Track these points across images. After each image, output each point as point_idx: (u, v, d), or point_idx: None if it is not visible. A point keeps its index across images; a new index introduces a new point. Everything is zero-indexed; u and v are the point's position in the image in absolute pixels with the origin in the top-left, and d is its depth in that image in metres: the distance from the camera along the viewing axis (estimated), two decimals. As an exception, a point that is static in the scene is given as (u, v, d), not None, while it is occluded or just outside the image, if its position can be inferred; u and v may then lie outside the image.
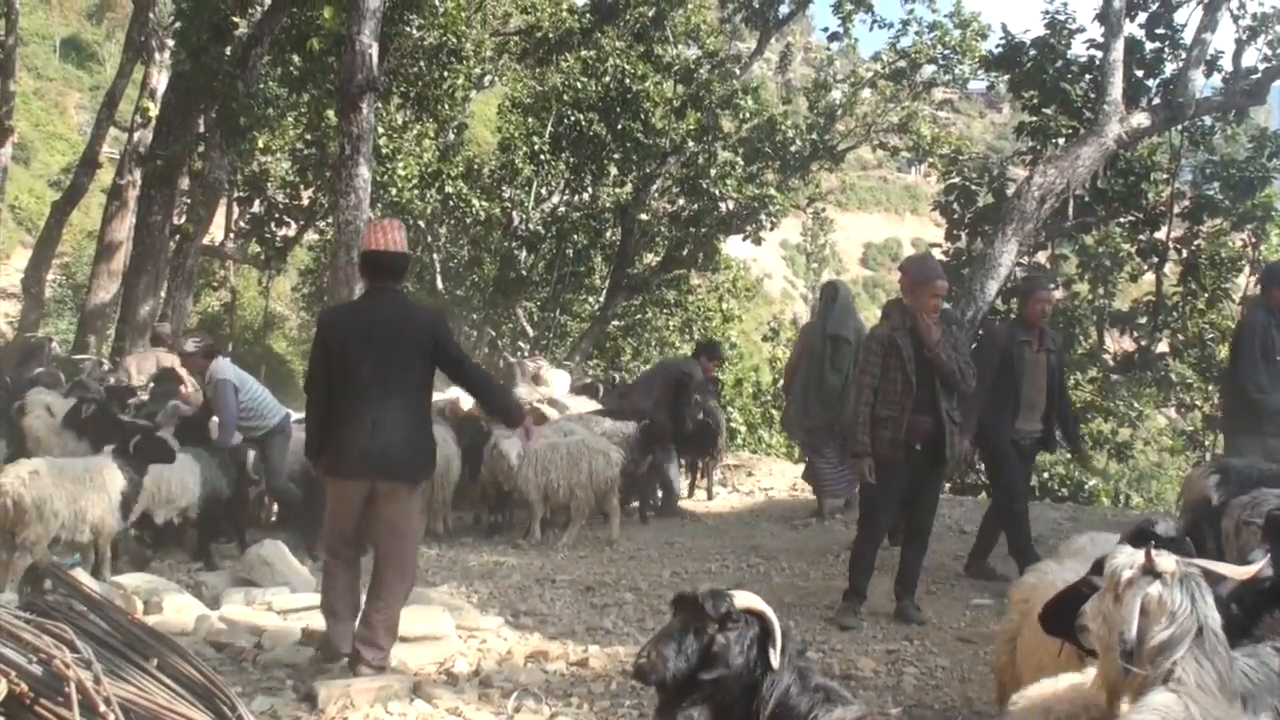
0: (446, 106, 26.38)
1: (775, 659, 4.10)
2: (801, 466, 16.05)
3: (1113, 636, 3.56)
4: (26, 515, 8.76)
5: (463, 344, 27.40)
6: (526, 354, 24.08)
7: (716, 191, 25.94)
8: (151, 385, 14.25)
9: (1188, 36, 19.06)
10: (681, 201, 27.25)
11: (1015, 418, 9.94)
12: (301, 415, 8.97)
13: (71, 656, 3.45)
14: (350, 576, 7.17)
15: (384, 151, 24.37)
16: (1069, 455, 15.34)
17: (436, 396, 15.81)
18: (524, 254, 28.12)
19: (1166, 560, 3.54)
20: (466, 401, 13.59)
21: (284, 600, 8.39)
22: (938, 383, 8.59)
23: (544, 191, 27.89)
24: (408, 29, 23.11)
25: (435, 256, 28.88)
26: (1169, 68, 20.01)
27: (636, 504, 13.90)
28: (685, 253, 26.96)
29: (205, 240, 23.32)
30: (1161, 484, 24.34)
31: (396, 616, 7.07)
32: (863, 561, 8.98)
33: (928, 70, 27.58)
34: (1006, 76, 21.69)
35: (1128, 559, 3.60)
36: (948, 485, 15.55)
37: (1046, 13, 20.63)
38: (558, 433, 12.83)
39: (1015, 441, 10.01)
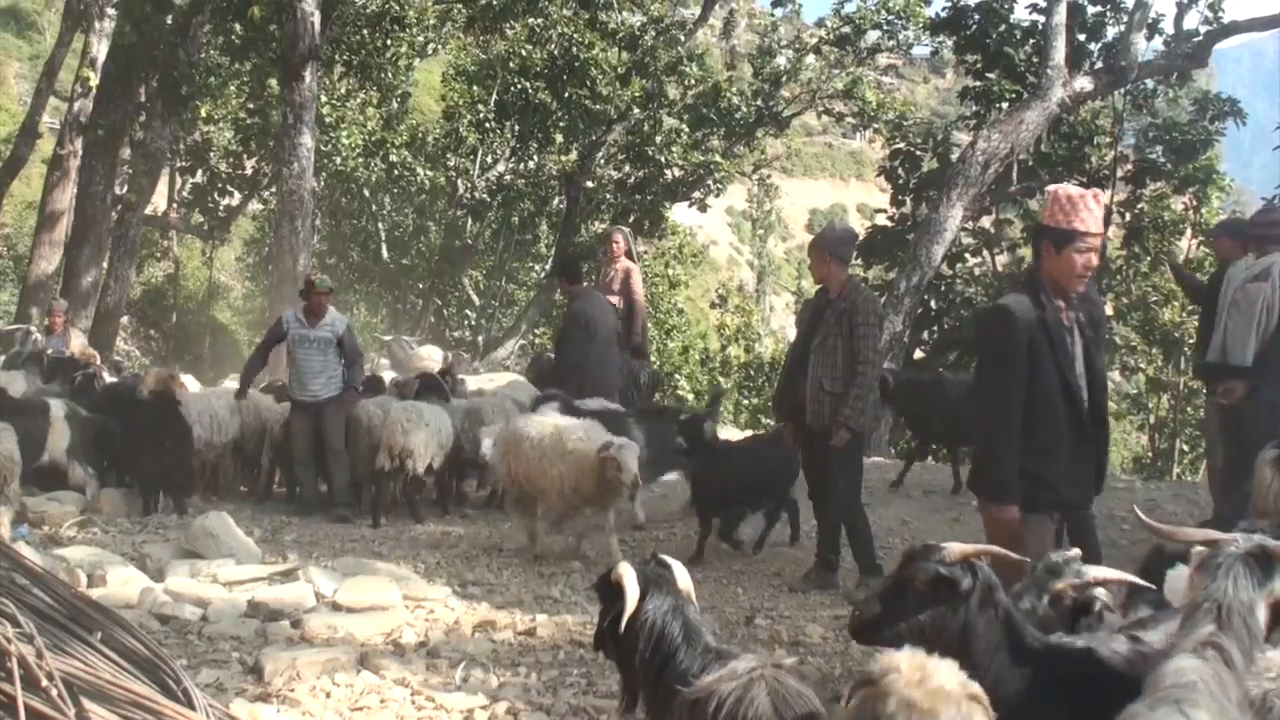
0: (390, 75, 26.31)
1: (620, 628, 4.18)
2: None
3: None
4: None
5: (408, 313, 27.41)
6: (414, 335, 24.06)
7: (662, 159, 25.98)
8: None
9: (1129, 0, 19.22)
10: (627, 168, 27.26)
11: None
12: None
13: (13, 631, 3.42)
14: None
15: (327, 120, 24.28)
16: None
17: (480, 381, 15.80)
18: (469, 222, 28.07)
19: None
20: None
21: (229, 572, 8.32)
22: (812, 347, 8.72)
23: (489, 160, 27.79)
24: (350, -4, 22.96)
25: (380, 225, 28.79)
26: (1111, 31, 20.19)
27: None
28: (631, 220, 26.92)
29: (148, 210, 23.14)
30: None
31: None
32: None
33: (872, 35, 27.61)
34: (951, 39, 21.77)
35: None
36: None
37: (990, -24, 20.72)
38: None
39: None
